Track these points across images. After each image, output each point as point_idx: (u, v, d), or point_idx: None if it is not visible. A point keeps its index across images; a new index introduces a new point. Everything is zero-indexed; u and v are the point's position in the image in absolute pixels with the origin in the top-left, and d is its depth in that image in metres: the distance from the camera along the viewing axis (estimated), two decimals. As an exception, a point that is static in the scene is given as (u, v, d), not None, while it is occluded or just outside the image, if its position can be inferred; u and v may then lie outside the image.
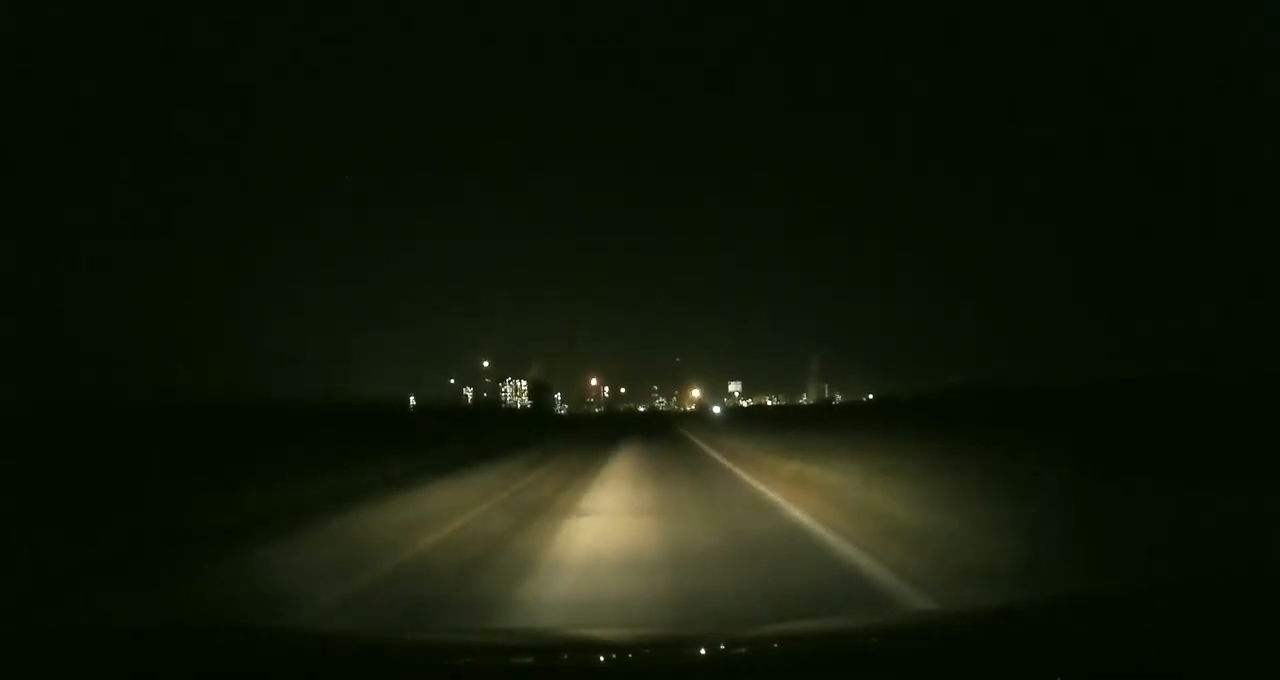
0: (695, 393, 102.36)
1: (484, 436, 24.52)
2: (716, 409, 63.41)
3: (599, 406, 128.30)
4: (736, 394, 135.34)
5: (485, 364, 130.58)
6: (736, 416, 57.03)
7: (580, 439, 27.75)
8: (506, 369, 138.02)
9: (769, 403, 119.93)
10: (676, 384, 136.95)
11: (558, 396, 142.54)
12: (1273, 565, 4.08)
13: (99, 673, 1.86)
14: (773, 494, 9.81)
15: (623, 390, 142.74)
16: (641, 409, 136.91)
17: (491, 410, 71.60)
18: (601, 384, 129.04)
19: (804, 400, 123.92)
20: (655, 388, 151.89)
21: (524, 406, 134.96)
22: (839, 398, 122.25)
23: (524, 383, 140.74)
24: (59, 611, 4.69)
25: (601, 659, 2.18)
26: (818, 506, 8.27)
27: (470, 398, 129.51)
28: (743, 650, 2.23)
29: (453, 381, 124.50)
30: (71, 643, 2.11)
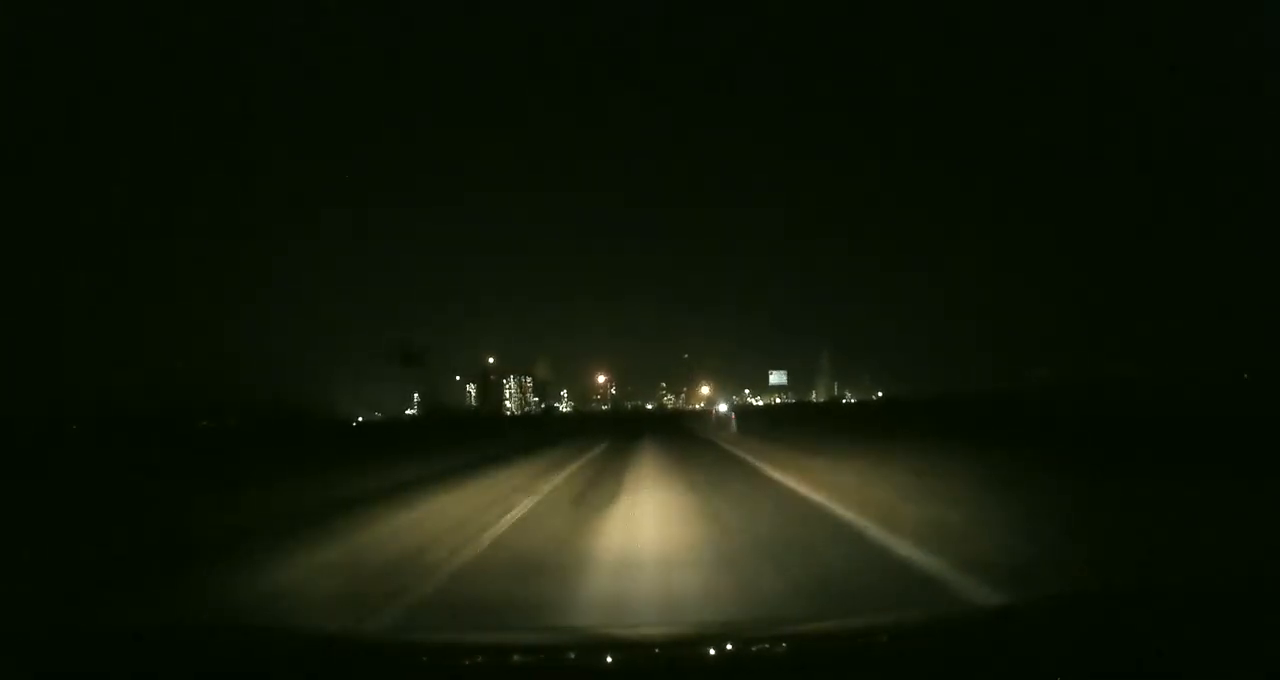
0: (705, 390, 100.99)
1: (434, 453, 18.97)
2: (723, 406, 60.36)
3: (605, 404, 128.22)
4: (747, 394, 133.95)
5: (490, 360, 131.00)
6: (762, 417, 45.86)
7: (576, 447, 22.24)
8: (511, 366, 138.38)
9: (776, 401, 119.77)
10: (684, 381, 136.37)
11: (563, 393, 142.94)
12: (1273, 565, 4.08)
13: (99, 673, 1.89)
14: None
15: (629, 388, 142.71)
16: (649, 406, 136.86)
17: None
18: (608, 381, 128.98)
19: (813, 398, 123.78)
20: (663, 385, 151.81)
21: (526, 406, 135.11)
22: (849, 396, 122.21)
23: (529, 379, 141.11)
24: (74, 611, 4.73)
25: (609, 659, 2.19)
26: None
27: (474, 394, 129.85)
28: (748, 650, 2.25)
29: (458, 378, 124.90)
30: (72, 643, 2.14)
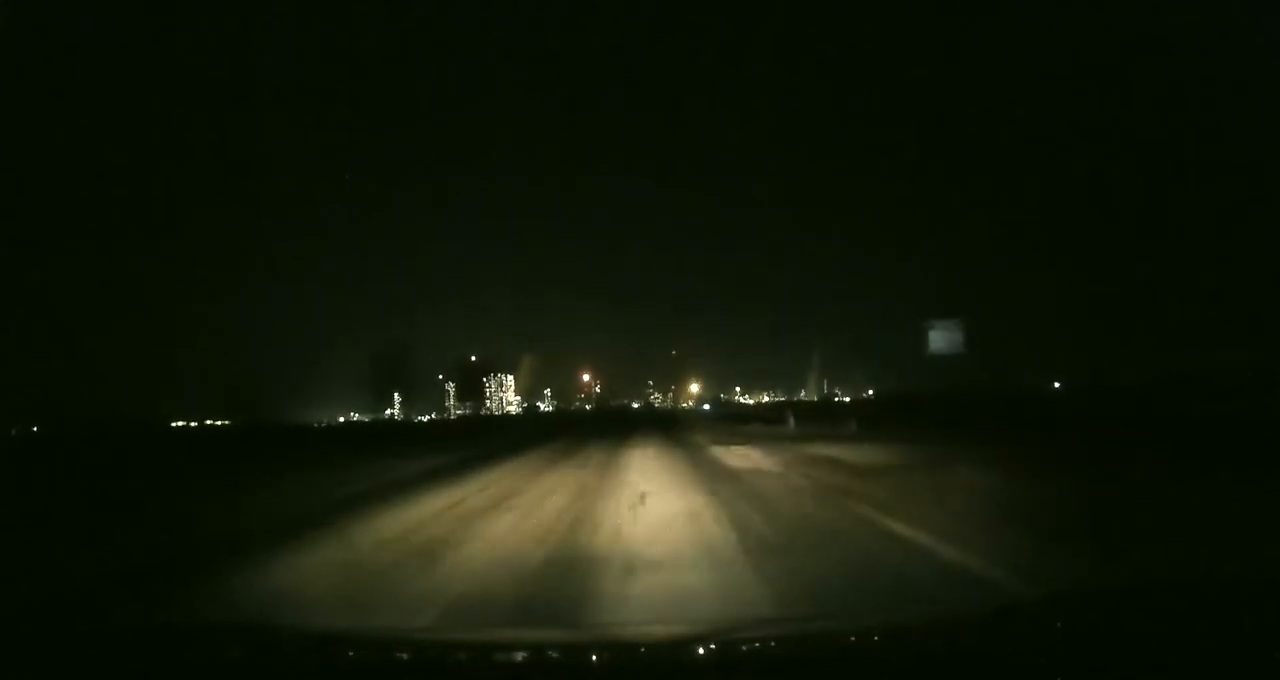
0: (694, 387, 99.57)
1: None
2: (706, 407, 57.91)
3: (589, 403, 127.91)
4: (737, 392, 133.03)
5: (472, 359, 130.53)
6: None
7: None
8: (495, 363, 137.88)
9: (765, 399, 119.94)
10: (672, 378, 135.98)
11: (547, 392, 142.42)
12: (1273, 563, 4.15)
13: (100, 672, 1.92)
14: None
15: (615, 387, 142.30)
16: (635, 405, 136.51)
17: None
18: (593, 379, 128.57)
19: (802, 396, 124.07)
20: (650, 382, 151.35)
21: (508, 406, 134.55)
22: (839, 394, 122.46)
23: (510, 378, 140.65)
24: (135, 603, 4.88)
25: (594, 658, 2.20)
26: None
27: (453, 392, 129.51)
28: (740, 650, 2.25)
29: (440, 377, 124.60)
30: (72, 643, 2.17)
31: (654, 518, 8.23)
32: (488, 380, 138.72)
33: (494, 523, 8.44)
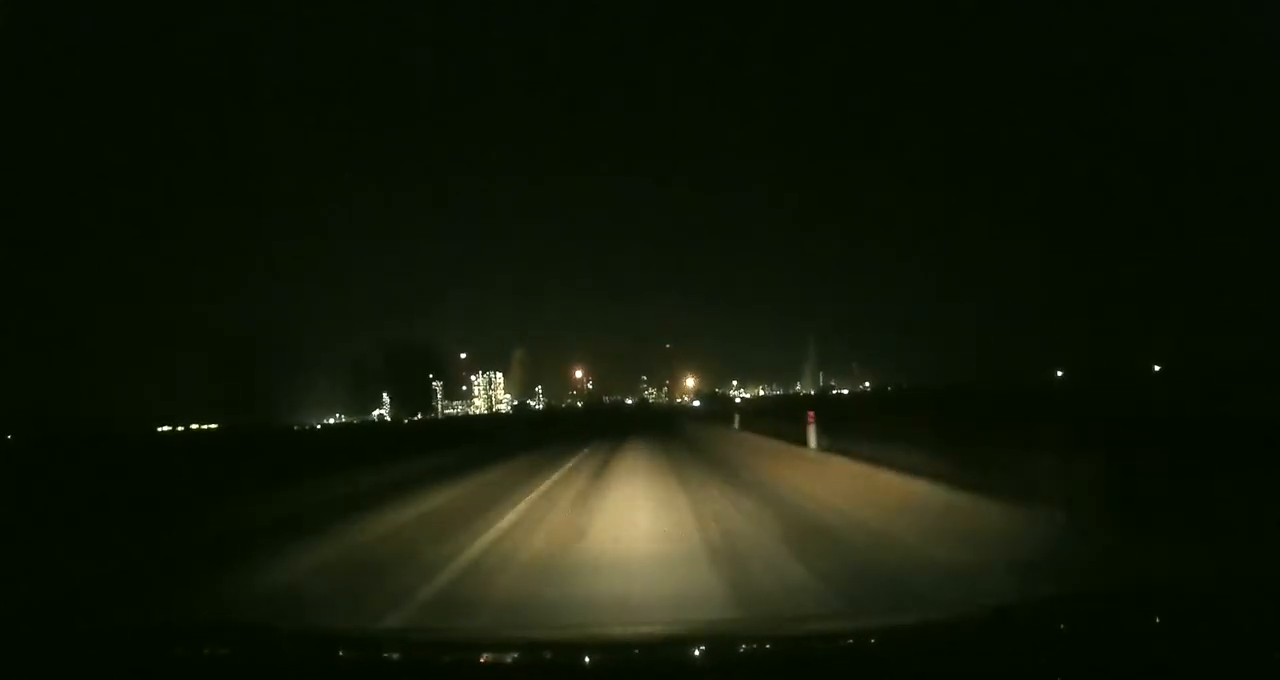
0: (690, 382, 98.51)
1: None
2: (696, 402, 58.63)
3: (580, 400, 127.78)
4: (734, 385, 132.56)
5: (463, 356, 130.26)
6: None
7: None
8: (487, 361, 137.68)
9: (761, 393, 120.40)
10: (667, 373, 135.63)
11: (538, 390, 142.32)
12: (1272, 564, 4.18)
13: (99, 672, 1.94)
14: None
15: (609, 382, 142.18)
16: (629, 401, 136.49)
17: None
18: (586, 375, 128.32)
19: (798, 389, 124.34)
20: (644, 378, 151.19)
21: (497, 405, 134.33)
22: (834, 387, 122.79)
23: (500, 375, 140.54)
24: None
25: (587, 660, 2.21)
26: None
27: (440, 392, 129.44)
28: (737, 650, 2.27)
29: (430, 376, 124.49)
30: (72, 643, 2.19)
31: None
32: (477, 378, 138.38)
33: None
